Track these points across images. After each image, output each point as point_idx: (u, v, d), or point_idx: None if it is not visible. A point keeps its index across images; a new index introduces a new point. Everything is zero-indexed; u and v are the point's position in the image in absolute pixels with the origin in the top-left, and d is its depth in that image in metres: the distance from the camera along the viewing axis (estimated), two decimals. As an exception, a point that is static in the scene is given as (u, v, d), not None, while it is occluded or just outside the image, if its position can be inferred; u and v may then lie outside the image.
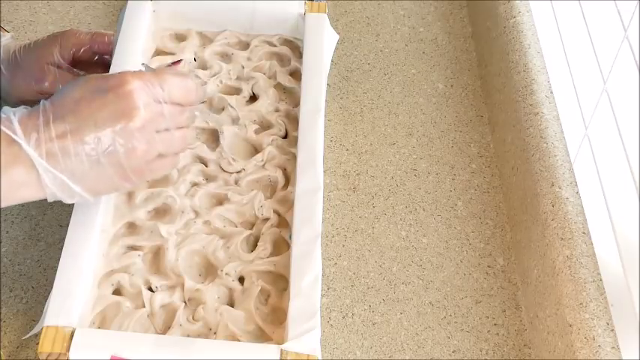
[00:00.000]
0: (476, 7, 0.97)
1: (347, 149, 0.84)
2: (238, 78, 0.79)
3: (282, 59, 0.81)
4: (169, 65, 0.60)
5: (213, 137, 0.74)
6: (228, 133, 0.72)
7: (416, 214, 0.79)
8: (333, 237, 0.77)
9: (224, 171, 0.71)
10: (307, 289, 0.61)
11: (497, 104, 0.85)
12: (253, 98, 0.78)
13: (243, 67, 0.79)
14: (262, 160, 0.72)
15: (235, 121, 0.75)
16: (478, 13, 0.96)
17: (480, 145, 0.85)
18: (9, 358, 0.67)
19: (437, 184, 0.82)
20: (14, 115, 0.53)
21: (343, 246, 0.76)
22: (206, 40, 0.81)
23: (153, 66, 0.61)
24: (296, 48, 0.82)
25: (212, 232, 0.67)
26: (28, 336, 0.65)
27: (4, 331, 0.68)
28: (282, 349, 0.57)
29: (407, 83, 0.91)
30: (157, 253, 0.66)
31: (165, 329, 0.62)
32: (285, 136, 0.74)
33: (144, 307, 0.62)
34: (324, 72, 0.76)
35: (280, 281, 0.65)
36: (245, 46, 0.82)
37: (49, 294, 0.60)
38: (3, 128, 0.52)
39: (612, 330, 0.61)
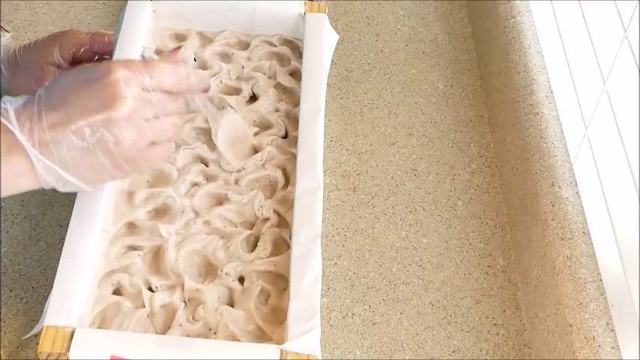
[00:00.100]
0: (476, 7, 0.97)
1: (347, 149, 0.84)
2: (238, 78, 0.79)
3: (282, 59, 0.81)
4: (170, 52, 0.60)
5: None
6: (226, 121, 0.72)
7: (416, 214, 0.79)
8: (333, 237, 0.77)
9: (224, 170, 0.71)
10: (307, 289, 0.61)
11: (497, 104, 0.85)
12: (253, 98, 0.78)
13: (243, 67, 0.79)
14: (262, 160, 0.72)
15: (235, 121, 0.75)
16: (478, 13, 0.96)
17: (480, 145, 0.85)
18: (9, 358, 0.67)
19: (437, 184, 0.82)
20: (11, 104, 0.53)
21: (343, 246, 0.76)
22: (206, 40, 0.81)
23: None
24: (296, 48, 0.82)
25: (212, 232, 0.67)
26: (28, 336, 0.65)
27: (4, 331, 0.68)
28: (282, 349, 0.57)
29: (407, 83, 0.91)
30: (157, 253, 0.66)
31: (165, 329, 0.62)
32: (285, 136, 0.74)
33: (144, 307, 0.62)
34: (324, 72, 0.76)
35: (280, 281, 0.65)
36: (245, 46, 0.82)
37: (49, 294, 0.60)
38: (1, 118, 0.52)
39: (612, 330, 0.61)
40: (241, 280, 0.65)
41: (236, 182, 0.70)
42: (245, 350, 0.58)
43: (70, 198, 0.77)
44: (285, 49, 0.81)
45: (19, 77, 0.72)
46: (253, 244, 0.67)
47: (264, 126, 0.75)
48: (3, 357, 0.66)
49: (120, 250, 0.66)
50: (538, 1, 0.84)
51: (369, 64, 0.93)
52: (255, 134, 0.74)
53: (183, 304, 0.63)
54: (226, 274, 0.65)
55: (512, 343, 0.70)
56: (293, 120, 0.75)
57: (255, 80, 0.78)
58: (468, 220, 0.79)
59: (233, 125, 0.73)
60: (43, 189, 0.77)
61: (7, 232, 0.74)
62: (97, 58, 0.75)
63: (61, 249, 0.62)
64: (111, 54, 0.73)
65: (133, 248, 0.66)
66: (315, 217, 0.65)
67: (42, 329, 0.57)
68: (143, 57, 0.59)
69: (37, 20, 0.94)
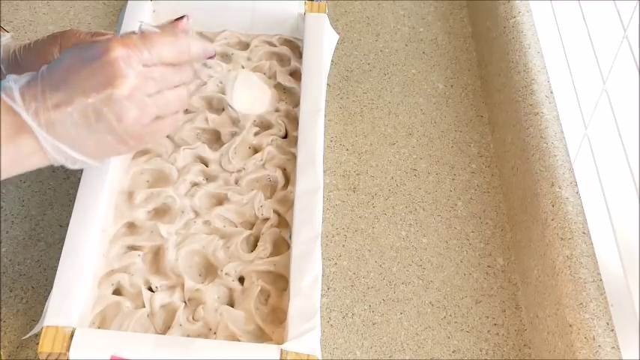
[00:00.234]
0: (476, 7, 0.97)
1: (347, 149, 0.84)
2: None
3: (282, 59, 0.81)
4: (171, 22, 0.60)
5: (214, 137, 0.74)
6: (240, 79, 0.72)
7: (416, 214, 0.79)
8: (333, 237, 0.77)
9: (224, 170, 0.71)
10: (307, 289, 0.61)
11: (497, 104, 0.85)
12: (253, 98, 0.78)
13: (243, 67, 0.79)
14: (262, 160, 0.72)
15: (235, 122, 0.75)
16: (478, 13, 0.96)
17: (480, 145, 0.85)
18: (9, 358, 0.67)
19: (437, 184, 0.82)
20: (15, 83, 0.53)
21: (343, 246, 0.76)
22: (206, 40, 0.81)
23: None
24: (296, 48, 0.82)
25: (212, 232, 0.67)
26: (28, 336, 0.65)
27: (4, 331, 0.68)
28: (282, 349, 0.57)
29: (407, 83, 0.91)
30: (157, 253, 0.66)
31: (165, 329, 0.62)
32: (285, 136, 0.74)
33: (144, 307, 0.63)
34: (324, 72, 0.76)
35: (280, 281, 0.65)
36: (245, 46, 0.82)
37: (49, 294, 0.60)
38: (6, 98, 0.52)
39: (612, 330, 0.61)
40: (241, 280, 0.65)
41: (236, 182, 0.71)
42: (245, 350, 0.58)
43: (70, 198, 0.77)
44: (285, 49, 0.81)
45: (19, 77, 0.72)
46: (253, 244, 0.67)
47: (264, 126, 0.75)
48: (3, 357, 0.66)
49: (120, 250, 0.66)
50: (538, 1, 0.84)
51: (369, 64, 0.93)
52: (255, 134, 0.74)
53: (183, 304, 0.63)
54: (226, 274, 0.65)
55: (512, 343, 0.70)
56: (293, 120, 0.75)
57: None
58: (468, 220, 0.79)
59: (248, 83, 0.72)
60: (43, 193, 0.77)
61: (7, 232, 0.74)
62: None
63: (61, 249, 0.62)
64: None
65: (133, 248, 0.66)
66: (315, 217, 0.65)
67: (42, 329, 0.58)
68: (141, 31, 0.59)
69: (37, 20, 0.94)
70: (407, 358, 0.69)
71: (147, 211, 0.68)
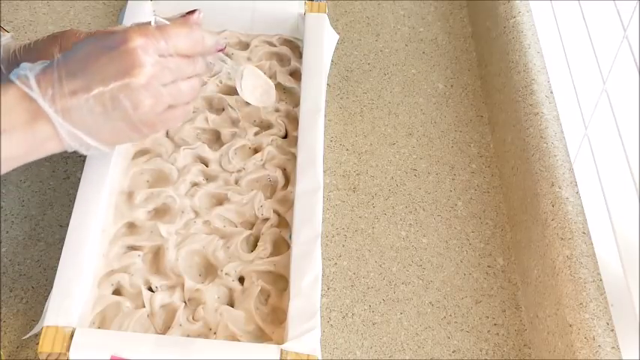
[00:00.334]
0: (476, 7, 0.97)
1: (347, 149, 0.84)
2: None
3: (282, 59, 0.81)
4: (183, 16, 0.61)
5: (214, 137, 0.74)
6: (247, 73, 0.73)
7: (416, 214, 0.79)
8: (333, 237, 0.77)
9: (224, 170, 0.71)
10: (307, 289, 0.61)
11: (497, 104, 0.85)
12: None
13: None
14: (262, 160, 0.72)
15: (235, 122, 0.75)
16: (478, 13, 0.96)
17: (480, 145, 0.85)
18: (9, 358, 0.67)
19: (437, 184, 0.82)
20: (31, 72, 0.54)
21: (343, 246, 0.76)
22: (206, 40, 0.81)
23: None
24: (296, 48, 0.82)
25: (212, 232, 0.67)
26: (28, 336, 0.65)
27: (4, 331, 0.68)
28: (282, 349, 0.57)
29: (407, 83, 0.91)
30: (157, 253, 0.66)
31: (165, 329, 0.62)
32: (285, 136, 0.74)
33: (144, 307, 0.63)
34: (324, 72, 0.77)
35: (280, 281, 0.65)
36: (245, 46, 0.82)
37: (49, 294, 0.60)
38: (22, 85, 0.54)
39: (612, 330, 0.61)
40: (241, 280, 0.65)
41: (236, 182, 0.71)
42: (245, 350, 0.58)
43: (70, 198, 0.77)
44: (285, 49, 0.81)
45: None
46: (253, 244, 0.67)
47: (264, 126, 0.75)
48: (3, 357, 0.66)
49: (120, 250, 0.66)
50: (538, 1, 0.84)
51: (369, 64, 0.93)
52: (255, 134, 0.74)
53: (183, 304, 0.63)
54: (226, 274, 0.65)
55: (512, 343, 0.70)
56: (293, 120, 0.75)
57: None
58: (468, 220, 0.79)
59: (253, 74, 0.73)
60: (43, 193, 0.77)
61: (7, 232, 0.74)
62: None
63: (61, 249, 0.62)
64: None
65: (133, 248, 0.66)
66: (315, 217, 0.65)
67: (42, 329, 0.58)
68: (156, 23, 0.60)
69: (37, 20, 0.94)
70: (407, 358, 0.69)
71: (147, 211, 0.68)
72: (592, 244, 0.66)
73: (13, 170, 0.78)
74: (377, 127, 0.86)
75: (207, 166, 0.72)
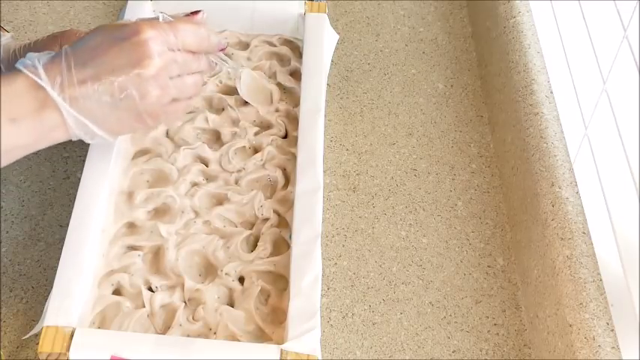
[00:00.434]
0: (476, 7, 0.97)
1: (347, 149, 0.84)
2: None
3: (282, 59, 0.81)
4: (187, 15, 0.62)
5: (214, 137, 0.74)
6: (246, 73, 0.74)
7: (416, 214, 0.79)
8: (333, 237, 0.77)
9: (224, 170, 0.71)
10: (307, 289, 0.61)
11: (497, 104, 0.85)
12: (253, 98, 0.78)
13: (242, 67, 0.79)
14: (262, 160, 0.72)
15: (235, 122, 0.75)
16: (478, 13, 0.96)
17: (480, 145, 0.85)
18: (9, 358, 0.67)
19: (437, 184, 0.82)
20: (39, 61, 0.56)
21: (343, 246, 0.76)
22: (206, 40, 0.81)
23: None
24: (296, 48, 0.82)
25: (212, 232, 0.67)
26: (28, 336, 0.65)
27: (4, 331, 0.68)
28: (282, 349, 0.57)
29: (407, 83, 0.91)
30: (157, 253, 0.66)
31: (165, 329, 0.62)
32: (285, 136, 0.74)
33: (144, 307, 0.62)
34: (324, 72, 0.77)
35: (280, 281, 0.65)
36: (245, 46, 0.82)
37: (49, 294, 0.60)
38: (30, 74, 0.55)
39: (612, 330, 0.61)
40: (241, 280, 0.65)
41: (236, 182, 0.71)
42: (245, 350, 0.58)
43: (70, 198, 0.77)
44: (285, 49, 0.81)
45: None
46: (253, 244, 0.67)
47: (264, 126, 0.75)
48: (3, 357, 0.66)
49: (120, 250, 0.66)
50: (538, 1, 0.84)
51: (369, 64, 0.93)
52: (255, 134, 0.74)
53: (183, 304, 0.63)
54: (226, 274, 0.65)
55: (512, 343, 0.70)
56: (293, 120, 0.75)
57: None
58: (468, 220, 0.79)
59: (251, 76, 0.75)
60: (43, 193, 0.77)
61: (7, 232, 0.74)
62: None
63: (61, 249, 0.62)
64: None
65: (133, 248, 0.66)
66: (315, 217, 0.65)
67: (42, 329, 0.58)
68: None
69: (37, 20, 0.94)
70: (407, 358, 0.69)
71: (147, 211, 0.68)
72: (592, 244, 0.66)
73: (13, 170, 0.79)
74: (377, 127, 0.86)
75: (207, 166, 0.72)
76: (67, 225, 0.63)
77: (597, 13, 0.70)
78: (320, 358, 0.58)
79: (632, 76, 0.61)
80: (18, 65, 0.56)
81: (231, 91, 0.77)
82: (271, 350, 0.57)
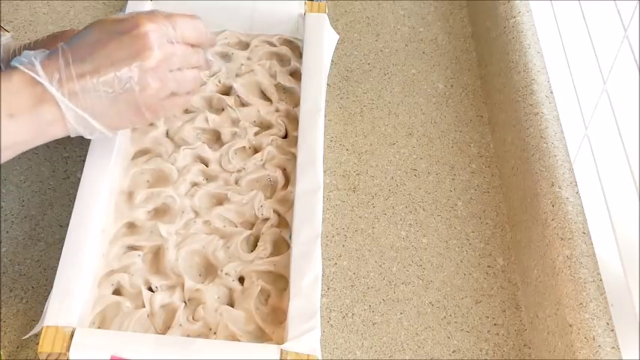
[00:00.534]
0: (476, 7, 0.97)
1: (347, 149, 0.84)
2: (238, 76, 0.78)
3: (282, 59, 0.81)
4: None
5: (214, 137, 0.74)
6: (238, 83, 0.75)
7: (416, 214, 0.79)
8: (333, 237, 0.77)
9: (224, 170, 0.71)
10: (307, 289, 0.61)
11: (497, 104, 0.85)
12: (253, 98, 0.78)
13: (242, 66, 0.79)
14: (262, 160, 0.72)
15: (235, 122, 0.75)
16: (478, 13, 0.96)
17: (480, 145, 0.85)
18: (9, 358, 0.67)
19: (437, 184, 0.81)
20: (36, 58, 0.56)
21: (343, 246, 0.76)
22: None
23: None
24: (296, 48, 0.82)
25: (212, 232, 0.67)
26: (28, 336, 0.65)
27: (4, 331, 0.68)
28: (282, 349, 0.57)
29: (407, 83, 0.91)
30: (157, 253, 0.66)
31: (165, 329, 0.62)
32: (285, 136, 0.74)
33: (144, 307, 0.62)
34: (324, 72, 0.76)
35: (280, 281, 0.65)
36: (245, 46, 0.82)
37: (49, 294, 0.60)
38: (27, 71, 0.55)
39: (612, 330, 0.61)
40: (241, 280, 0.65)
41: (236, 182, 0.70)
42: (245, 350, 0.58)
43: (70, 198, 0.77)
44: (285, 49, 0.81)
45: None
46: (253, 244, 0.67)
47: (264, 126, 0.75)
48: (3, 357, 0.66)
49: (120, 250, 0.66)
50: (538, 1, 0.84)
51: (369, 64, 0.93)
52: (255, 134, 0.74)
53: (183, 304, 0.63)
54: (226, 274, 0.65)
55: (512, 343, 0.70)
56: (293, 120, 0.75)
57: (253, 75, 0.78)
58: (468, 220, 0.79)
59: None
60: (43, 193, 0.77)
61: (7, 232, 0.74)
62: None
63: (61, 249, 0.62)
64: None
65: (133, 248, 0.66)
66: (315, 217, 0.65)
67: (42, 329, 0.58)
68: None
69: (37, 20, 0.94)
70: (407, 358, 0.69)
71: (147, 211, 0.68)
72: (592, 244, 0.66)
73: (13, 170, 0.79)
74: (377, 127, 0.86)
75: (207, 166, 0.72)
76: (67, 225, 0.63)
77: (597, 13, 0.70)
78: (320, 358, 0.58)
79: (632, 76, 0.61)
80: (14, 63, 0.56)
81: (231, 91, 0.77)
82: (271, 350, 0.57)
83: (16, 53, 0.73)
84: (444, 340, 0.70)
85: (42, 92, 0.55)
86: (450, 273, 0.75)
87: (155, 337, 0.59)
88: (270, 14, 0.81)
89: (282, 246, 0.67)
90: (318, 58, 0.77)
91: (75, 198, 0.65)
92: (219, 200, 0.70)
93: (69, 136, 0.58)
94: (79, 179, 0.66)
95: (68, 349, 0.57)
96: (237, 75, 0.78)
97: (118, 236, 0.66)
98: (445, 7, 1.00)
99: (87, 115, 0.56)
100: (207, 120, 0.74)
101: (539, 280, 0.69)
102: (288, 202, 0.69)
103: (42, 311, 0.61)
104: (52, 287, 0.60)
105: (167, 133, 0.73)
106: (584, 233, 0.66)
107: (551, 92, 0.77)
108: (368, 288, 0.73)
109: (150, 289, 0.64)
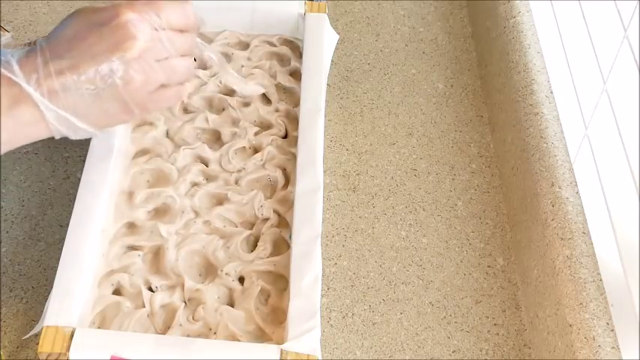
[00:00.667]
0: (476, 7, 0.97)
1: (347, 149, 0.84)
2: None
3: (282, 59, 0.81)
4: None
5: (214, 137, 0.74)
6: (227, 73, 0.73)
7: (416, 214, 0.79)
8: (333, 237, 0.77)
9: (224, 170, 0.71)
10: (307, 289, 0.61)
11: (497, 104, 0.85)
12: (253, 98, 0.78)
13: (242, 67, 0.79)
14: (262, 160, 0.72)
15: (235, 122, 0.75)
16: (478, 13, 0.96)
17: (480, 145, 0.85)
18: (9, 358, 0.67)
19: (437, 184, 0.82)
20: (13, 56, 0.52)
21: (343, 246, 0.76)
22: (206, 40, 0.81)
23: None
24: (296, 48, 0.82)
25: (212, 232, 0.67)
26: (28, 336, 0.65)
27: (4, 331, 0.68)
28: (282, 349, 0.57)
29: (407, 83, 0.91)
30: (157, 253, 0.66)
31: (165, 329, 0.62)
32: (285, 136, 0.74)
33: (144, 307, 0.62)
34: (324, 72, 0.76)
35: (280, 281, 0.65)
36: (245, 46, 0.82)
37: (49, 294, 0.60)
38: (3, 70, 0.52)
39: (612, 330, 0.61)
40: (241, 280, 0.65)
41: (236, 182, 0.70)
42: (245, 350, 0.58)
43: (70, 198, 0.77)
44: (285, 49, 0.81)
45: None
46: (253, 244, 0.67)
47: (264, 126, 0.75)
48: (3, 357, 0.66)
49: (120, 250, 0.66)
50: (538, 1, 0.84)
51: (369, 64, 0.93)
52: (255, 134, 0.74)
53: (183, 304, 0.63)
54: (226, 274, 0.65)
55: (512, 343, 0.70)
56: (293, 120, 0.75)
57: (254, 78, 0.78)
58: (468, 220, 0.79)
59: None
60: (43, 193, 0.77)
61: (7, 232, 0.74)
62: None
63: (61, 249, 0.62)
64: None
65: (133, 248, 0.66)
66: (315, 217, 0.65)
67: (42, 329, 0.57)
68: None
69: (37, 20, 0.94)
70: (407, 358, 0.69)
71: (147, 211, 0.68)
72: (592, 244, 0.66)
73: (13, 170, 0.79)
74: (377, 127, 0.86)
75: (207, 166, 0.72)
76: (67, 225, 0.63)
77: (597, 13, 0.70)
78: (320, 358, 0.58)
79: (632, 76, 0.61)
80: None
81: (231, 91, 0.77)
82: (271, 350, 0.57)
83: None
84: (444, 340, 0.70)
85: (19, 92, 0.51)
86: (450, 273, 0.75)
87: (155, 337, 0.59)
88: (270, 14, 0.81)
89: (282, 246, 0.67)
90: (318, 58, 0.77)
91: (75, 198, 0.65)
92: (219, 200, 0.70)
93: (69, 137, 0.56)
94: (79, 179, 0.66)
95: (68, 349, 0.57)
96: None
97: (118, 236, 0.66)
98: (445, 7, 1.00)
99: (69, 115, 0.53)
100: (207, 120, 0.74)
101: (539, 280, 0.69)
102: (288, 202, 0.69)
103: (42, 311, 0.61)
104: (52, 287, 0.60)
105: (167, 133, 0.73)
106: (584, 233, 0.66)
107: (551, 92, 0.77)
108: (368, 288, 0.73)
109: (150, 289, 0.64)
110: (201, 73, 0.77)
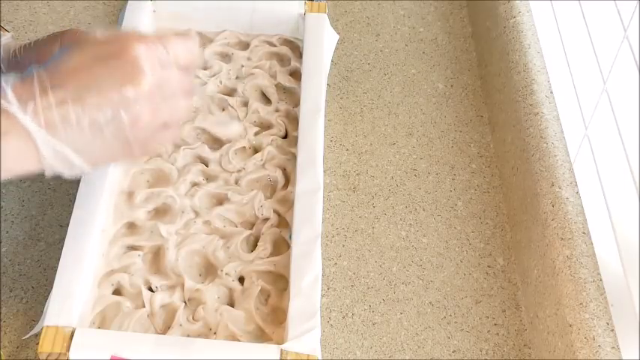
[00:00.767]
0: (476, 7, 0.97)
1: (347, 149, 0.84)
2: (238, 78, 0.79)
3: (282, 59, 0.81)
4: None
5: (214, 137, 0.74)
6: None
7: (416, 214, 0.79)
8: (333, 237, 0.77)
9: (224, 170, 0.71)
10: (307, 289, 0.61)
11: (497, 104, 0.85)
12: (253, 98, 0.78)
13: (242, 67, 0.79)
14: (262, 160, 0.72)
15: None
16: (478, 13, 0.96)
17: (480, 145, 0.85)
18: (9, 358, 0.67)
19: (437, 184, 0.81)
20: (7, 83, 0.48)
21: (343, 246, 0.76)
22: (206, 40, 0.81)
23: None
24: (296, 48, 0.82)
25: (212, 232, 0.67)
26: (28, 336, 0.65)
27: (4, 331, 0.68)
28: (282, 349, 0.57)
29: (407, 83, 0.91)
30: (157, 253, 0.66)
31: (165, 329, 0.62)
32: (285, 136, 0.74)
33: (144, 307, 0.63)
34: (324, 72, 0.77)
35: (280, 281, 0.65)
36: (245, 46, 0.82)
37: (49, 294, 0.60)
38: None
39: (612, 330, 0.61)
40: (241, 280, 0.65)
41: (236, 182, 0.71)
42: (245, 350, 0.58)
43: (70, 198, 0.77)
44: (285, 49, 0.81)
45: (19, 77, 0.72)
46: (253, 244, 0.67)
47: (264, 126, 0.75)
48: (3, 357, 0.66)
49: (120, 250, 0.66)
50: (538, 1, 0.84)
51: (369, 64, 0.93)
52: (255, 134, 0.74)
53: (183, 304, 0.63)
54: (226, 274, 0.65)
55: (512, 343, 0.70)
56: (293, 120, 0.75)
57: (254, 78, 0.78)
58: (468, 220, 0.79)
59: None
60: (43, 193, 0.77)
61: (7, 232, 0.74)
62: None
63: (61, 249, 0.62)
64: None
65: (133, 248, 0.66)
66: (315, 217, 0.65)
67: (42, 329, 0.58)
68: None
69: (37, 20, 0.94)
70: (407, 358, 0.69)
71: (147, 211, 0.68)
72: (592, 244, 0.66)
73: (13, 170, 0.78)
74: (377, 127, 0.86)
75: (207, 166, 0.72)
76: (67, 225, 0.63)
77: (597, 13, 0.70)
78: (320, 358, 0.58)
79: (632, 76, 0.61)
80: None
81: (231, 91, 0.77)
82: (271, 350, 0.57)
83: (16, 53, 0.73)
84: (444, 340, 0.70)
85: (12, 123, 0.47)
86: (450, 273, 0.75)
87: (155, 337, 0.59)
88: (270, 14, 0.81)
89: (282, 246, 0.67)
90: (318, 58, 0.77)
91: (75, 198, 0.65)
92: (219, 200, 0.70)
93: (61, 174, 0.52)
94: (79, 179, 0.66)
95: (68, 349, 0.57)
96: (237, 77, 0.78)
97: (118, 236, 0.66)
98: (445, 7, 1.00)
99: (68, 149, 0.49)
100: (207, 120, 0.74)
101: (539, 280, 0.69)
102: (288, 202, 0.69)
103: (42, 311, 0.61)
104: (52, 287, 0.60)
105: (167, 133, 0.73)
106: (584, 233, 0.66)
107: (551, 92, 0.77)
108: (368, 288, 0.73)
109: (150, 289, 0.64)
110: (201, 73, 0.78)
